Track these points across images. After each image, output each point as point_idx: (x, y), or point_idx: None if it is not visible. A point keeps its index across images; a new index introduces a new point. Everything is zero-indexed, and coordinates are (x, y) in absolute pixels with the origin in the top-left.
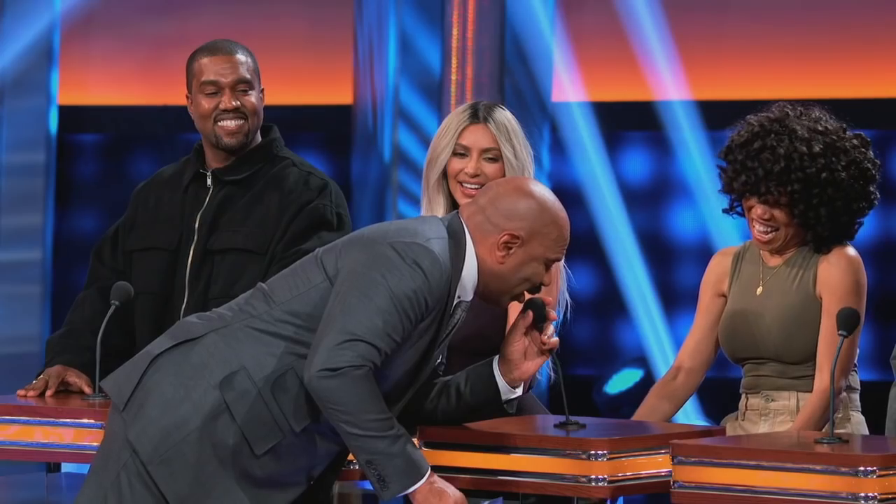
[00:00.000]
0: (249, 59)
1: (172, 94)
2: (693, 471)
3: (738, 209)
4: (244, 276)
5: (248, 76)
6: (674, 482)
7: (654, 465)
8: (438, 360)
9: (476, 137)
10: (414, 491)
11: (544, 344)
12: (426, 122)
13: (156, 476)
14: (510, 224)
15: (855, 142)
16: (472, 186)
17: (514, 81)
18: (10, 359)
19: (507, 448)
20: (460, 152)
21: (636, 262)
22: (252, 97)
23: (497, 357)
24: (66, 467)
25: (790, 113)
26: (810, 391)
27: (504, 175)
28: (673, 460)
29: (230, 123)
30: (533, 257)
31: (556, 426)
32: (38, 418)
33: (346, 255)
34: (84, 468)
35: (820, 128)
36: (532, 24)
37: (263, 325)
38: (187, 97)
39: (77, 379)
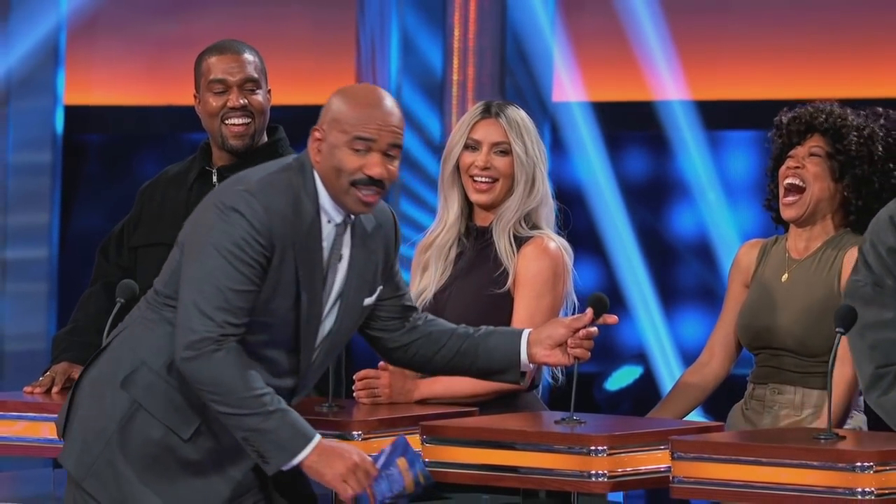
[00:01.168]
0: (257, 59)
1: (177, 94)
2: (692, 466)
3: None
4: None
5: (255, 75)
6: (673, 477)
7: (654, 460)
8: (410, 303)
9: (487, 131)
10: (300, 463)
11: (574, 346)
12: (428, 122)
13: (90, 490)
14: (316, 126)
15: None
16: (483, 179)
17: (514, 81)
18: (17, 356)
19: (507, 444)
20: (471, 145)
21: (636, 260)
22: (259, 96)
23: (528, 331)
24: None
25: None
26: (816, 388)
27: (514, 169)
28: (672, 456)
29: (237, 122)
30: (335, 146)
31: (556, 422)
32: (45, 415)
33: (187, 227)
34: None
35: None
36: (532, 24)
37: (152, 314)
38: (195, 96)
39: None
